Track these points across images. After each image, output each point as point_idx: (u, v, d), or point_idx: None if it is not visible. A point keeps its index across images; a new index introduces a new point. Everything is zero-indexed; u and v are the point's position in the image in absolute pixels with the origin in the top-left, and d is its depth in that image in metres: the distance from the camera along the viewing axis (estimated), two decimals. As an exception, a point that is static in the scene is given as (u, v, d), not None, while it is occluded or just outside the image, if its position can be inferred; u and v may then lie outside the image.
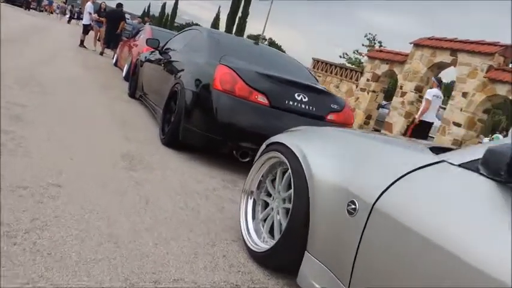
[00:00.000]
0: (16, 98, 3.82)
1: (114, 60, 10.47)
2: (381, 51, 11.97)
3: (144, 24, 14.33)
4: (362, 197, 1.49)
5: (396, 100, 10.05)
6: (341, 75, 12.74)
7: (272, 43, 51.97)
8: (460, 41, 8.89)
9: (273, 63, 4.25)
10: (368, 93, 11.19)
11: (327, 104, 3.70)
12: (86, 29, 12.73)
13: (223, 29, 35.51)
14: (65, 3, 47.97)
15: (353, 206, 1.50)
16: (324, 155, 1.78)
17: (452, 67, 9.18)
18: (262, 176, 2.21)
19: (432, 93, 7.41)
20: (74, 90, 5.39)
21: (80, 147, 3.02)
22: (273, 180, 2.16)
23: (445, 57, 9.07)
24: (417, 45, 9.83)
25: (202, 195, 2.72)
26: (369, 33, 20.48)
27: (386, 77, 11.23)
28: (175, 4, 52.43)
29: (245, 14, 38.20)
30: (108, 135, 3.65)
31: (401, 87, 10.03)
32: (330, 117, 3.65)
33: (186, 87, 3.59)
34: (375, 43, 20.14)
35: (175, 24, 50.83)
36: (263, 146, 2.26)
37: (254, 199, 2.22)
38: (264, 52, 4.67)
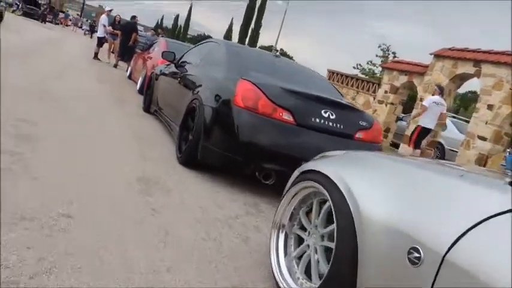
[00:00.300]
0: (26, 114, 3.65)
1: (128, 73, 10.38)
2: (398, 62, 11.67)
3: (158, 36, 14.31)
4: (428, 244, 1.23)
5: (416, 113, 9.71)
6: (357, 87, 12.47)
7: (284, 54, 51.92)
8: (484, 52, 8.57)
9: (296, 78, 4.03)
10: (386, 106, 10.89)
11: (355, 121, 3.45)
12: (100, 41, 12.73)
13: (236, 41, 35.55)
14: (80, 15, 48.85)
15: (416, 255, 1.25)
16: (373, 189, 1.52)
17: (474, 78, 8.86)
18: (294, 208, 1.96)
19: (432, 100, 7.40)
20: (86, 104, 5.24)
21: (92, 167, 2.82)
22: (307, 212, 1.91)
23: (467, 68, 8.75)
24: (438, 56, 9.53)
25: (224, 223, 2.49)
26: (383, 44, 20.01)
27: (405, 89, 10.93)
28: (188, 15, 52.83)
29: (258, 26, 38.28)
30: (122, 153, 3.45)
31: (421, 100, 9.70)
32: (358, 135, 3.40)
33: (205, 103, 3.38)
34: (389, 54, 19.73)
35: (188, 36, 51.19)
36: (295, 174, 2.01)
37: (286, 233, 1.97)
38: (285, 65, 4.45)
